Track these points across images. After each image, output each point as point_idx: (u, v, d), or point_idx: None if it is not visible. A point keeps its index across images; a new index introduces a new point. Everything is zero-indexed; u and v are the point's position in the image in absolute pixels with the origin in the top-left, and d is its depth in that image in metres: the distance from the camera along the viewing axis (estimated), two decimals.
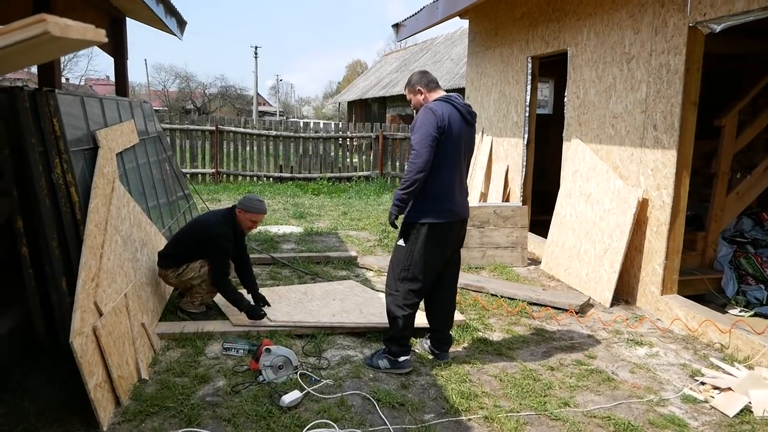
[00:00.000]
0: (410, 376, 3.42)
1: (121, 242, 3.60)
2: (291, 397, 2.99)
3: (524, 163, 7.01)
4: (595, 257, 5.16)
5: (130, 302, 3.43)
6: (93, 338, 2.82)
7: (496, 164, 7.80)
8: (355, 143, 13.55)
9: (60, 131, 3.22)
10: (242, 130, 12.11)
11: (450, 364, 3.59)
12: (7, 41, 1.22)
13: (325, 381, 3.29)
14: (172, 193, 6.07)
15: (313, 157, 12.51)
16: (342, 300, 4.53)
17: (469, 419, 2.96)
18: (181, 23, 7.40)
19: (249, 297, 4.20)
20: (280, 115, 52.88)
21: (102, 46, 6.11)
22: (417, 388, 3.30)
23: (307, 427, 2.78)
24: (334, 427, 2.81)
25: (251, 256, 4.70)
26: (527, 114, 6.92)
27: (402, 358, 3.46)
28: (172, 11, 6.75)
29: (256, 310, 3.99)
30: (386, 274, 3.60)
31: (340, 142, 12.93)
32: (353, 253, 6.19)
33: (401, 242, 3.42)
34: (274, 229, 7.51)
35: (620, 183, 5.06)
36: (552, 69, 8.07)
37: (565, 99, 6.03)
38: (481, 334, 4.12)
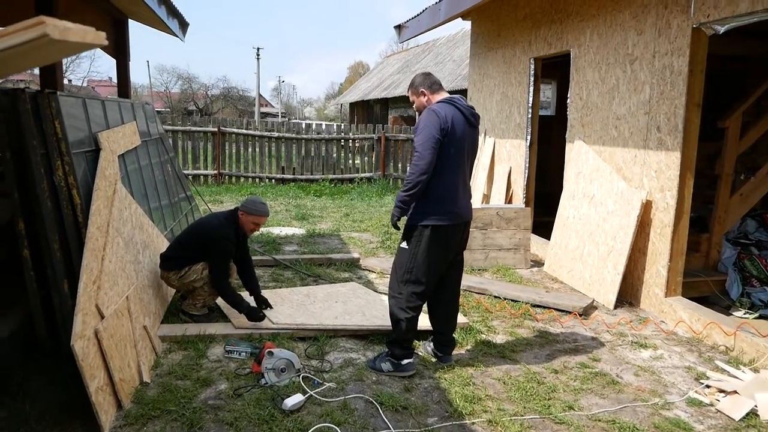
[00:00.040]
0: (413, 379, 3.40)
1: (123, 244, 3.59)
2: (294, 400, 2.98)
3: (527, 165, 6.99)
4: (599, 259, 5.14)
5: (132, 305, 3.42)
6: (95, 341, 2.81)
7: (499, 166, 7.78)
8: (357, 145, 13.53)
9: (62, 133, 3.21)
10: (244, 131, 12.11)
11: (453, 366, 3.58)
12: (5, 44, 1.20)
13: (327, 384, 3.28)
14: (174, 194, 6.06)
15: (315, 159, 12.50)
16: (344, 302, 4.51)
17: (473, 423, 2.94)
18: (183, 24, 7.40)
19: (251, 299, 4.19)
20: (282, 117, 52.91)
21: (104, 48, 6.10)
22: (420, 391, 3.28)
23: (309, 431, 2.77)
24: (336, 431, 2.79)
25: (253, 258, 4.69)
26: (530, 115, 6.90)
27: (405, 361, 3.45)
28: (174, 13, 6.75)
29: (256, 312, 3.97)
30: (389, 276, 3.59)
31: (342, 143, 12.92)
32: (356, 255, 6.17)
33: (404, 244, 3.40)
34: (276, 231, 7.50)
35: (624, 185, 5.04)
36: (555, 70, 8.05)
37: (568, 100, 6.01)
38: (484, 336, 4.10)
